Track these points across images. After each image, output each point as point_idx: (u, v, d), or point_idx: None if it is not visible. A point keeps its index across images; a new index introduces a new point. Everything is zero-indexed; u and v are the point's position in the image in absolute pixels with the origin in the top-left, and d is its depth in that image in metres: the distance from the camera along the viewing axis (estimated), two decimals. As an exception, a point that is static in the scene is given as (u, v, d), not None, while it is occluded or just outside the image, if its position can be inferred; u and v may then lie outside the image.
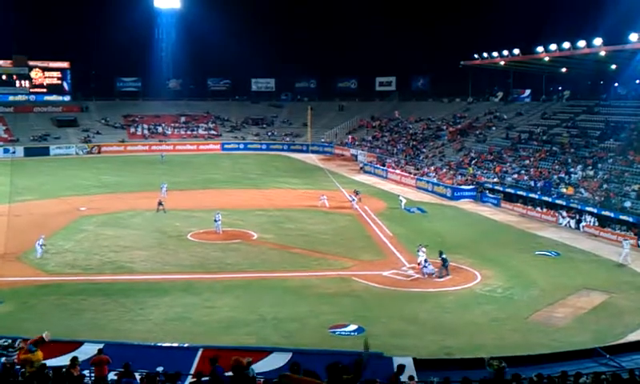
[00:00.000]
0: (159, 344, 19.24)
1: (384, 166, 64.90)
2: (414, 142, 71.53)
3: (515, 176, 50.18)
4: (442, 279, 28.63)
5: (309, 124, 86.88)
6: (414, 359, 14.79)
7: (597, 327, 23.05)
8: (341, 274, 29.96)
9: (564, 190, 44.13)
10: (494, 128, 66.87)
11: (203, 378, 11.42)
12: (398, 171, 61.74)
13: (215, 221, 37.29)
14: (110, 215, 42.35)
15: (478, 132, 67.29)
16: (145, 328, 22.69)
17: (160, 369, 13.02)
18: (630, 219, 37.61)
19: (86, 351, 14.73)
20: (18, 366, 12.57)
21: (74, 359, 12.79)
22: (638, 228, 36.78)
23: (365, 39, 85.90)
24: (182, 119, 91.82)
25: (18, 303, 25.07)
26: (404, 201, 46.38)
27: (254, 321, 23.56)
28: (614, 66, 56.25)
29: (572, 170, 47.19)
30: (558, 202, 43.17)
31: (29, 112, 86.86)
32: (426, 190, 54.20)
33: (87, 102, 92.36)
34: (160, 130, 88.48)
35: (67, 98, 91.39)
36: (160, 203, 43.06)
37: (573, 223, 40.52)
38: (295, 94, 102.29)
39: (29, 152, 76.24)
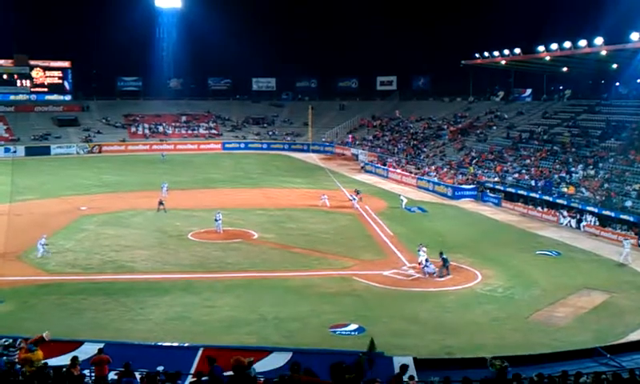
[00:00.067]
0: (159, 343, 19.23)
1: (385, 165, 64.89)
2: (415, 142, 71.50)
3: (516, 175, 50.15)
4: (442, 279, 28.62)
5: (310, 123, 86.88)
6: (415, 359, 14.77)
7: (597, 327, 23.04)
8: (342, 273, 29.96)
9: (565, 190, 44.10)
10: (494, 127, 66.84)
11: (203, 378, 11.42)
12: (398, 171, 61.73)
13: (216, 220, 37.30)
14: (111, 215, 42.37)
15: (478, 131, 67.25)
16: (145, 327, 22.69)
17: (160, 368, 13.02)
18: (631, 219, 37.57)
19: (87, 351, 14.73)
20: (19, 366, 12.58)
21: (75, 359, 12.79)
22: (639, 227, 36.74)
23: (365, 39, 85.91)
24: (183, 119, 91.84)
25: (19, 303, 25.09)
26: (405, 200, 46.35)
27: (254, 320, 23.56)
28: (615, 66, 56.19)
29: (573, 169, 47.16)
30: (559, 201, 43.13)
31: (30, 111, 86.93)
32: (427, 189, 54.19)
33: (88, 102, 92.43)
34: (161, 129, 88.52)
35: (68, 98, 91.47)
36: (161, 203, 43.06)
37: (573, 223, 40.49)
38: (296, 93, 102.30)
39: (30, 151, 76.33)
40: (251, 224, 39.83)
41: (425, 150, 67.63)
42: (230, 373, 9.47)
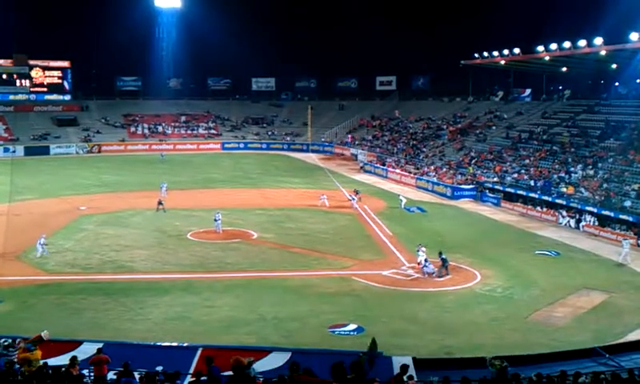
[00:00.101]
0: (159, 343, 19.23)
1: (384, 165, 64.91)
2: (414, 142, 71.52)
3: (515, 175, 50.17)
4: (441, 279, 28.63)
5: (309, 123, 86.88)
6: (414, 358, 14.77)
7: (596, 327, 23.05)
8: (341, 273, 29.97)
9: (564, 190, 44.12)
10: (494, 127, 66.86)
11: (202, 378, 11.43)
12: (398, 171, 61.74)
13: (215, 220, 37.30)
14: (110, 214, 42.37)
15: (478, 131, 67.27)
16: (144, 327, 22.69)
17: (159, 368, 13.03)
18: (630, 219, 37.60)
19: (86, 350, 14.74)
20: (18, 365, 12.57)
21: (74, 358, 12.80)
22: (638, 227, 36.76)
23: (365, 39, 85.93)
24: (183, 118, 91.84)
25: (18, 302, 25.08)
26: (404, 200, 46.37)
27: (254, 320, 23.56)
28: (614, 66, 56.23)
29: (572, 169, 47.18)
30: (558, 201, 43.16)
31: (29, 111, 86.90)
32: (426, 189, 54.20)
33: (87, 101, 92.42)
34: (160, 129, 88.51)
35: (67, 98, 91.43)
36: (160, 203, 43.06)
37: (573, 223, 40.50)
38: (295, 93, 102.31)
39: (29, 151, 76.31)
40: (250, 224, 39.84)
41: (424, 150, 67.65)
42: (230, 373, 9.48)
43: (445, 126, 73.12)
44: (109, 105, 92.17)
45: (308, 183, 57.58)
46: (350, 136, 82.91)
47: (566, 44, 50.42)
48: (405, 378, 12.23)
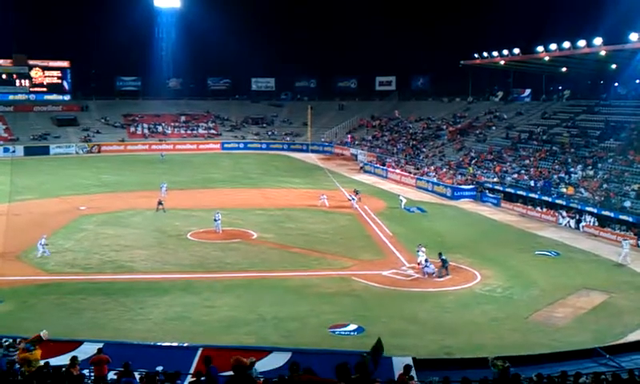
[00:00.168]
0: (159, 343, 19.23)
1: (384, 165, 64.92)
2: (414, 142, 71.53)
3: (515, 176, 50.18)
4: (441, 279, 28.63)
5: (309, 123, 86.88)
6: (414, 359, 14.77)
7: (596, 327, 23.05)
8: (341, 273, 29.96)
9: (564, 190, 44.13)
10: (494, 128, 66.87)
11: (202, 378, 11.43)
12: (397, 171, 61.75)
13: (215, 220, 37.29)
14: (110, 214, 42.36)
15: (478, 132, 67.28)
16: (144, 327, 22.68)
17: (160, 368, 13.03)
18: (630, 219, 37.61)
19: (86, 350, 14.74)
20: (18, 365, 12.58)
21: (74, 358, 12.80)
22: (638, 228, 36.78)
23: (365, 39, 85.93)
24: (182, 118, 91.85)
25: (18, 302, 25.07)
26: (404, 200, 46.37)
27: (253, 320, 23.56)
28: (614, 66, 56.22)
29: (572, 169, 47.19)
30: (558, 201, 43.16)
31: (29, 111, 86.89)
32: (426, 189, 54.20)
33: (87, 101, 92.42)
34: (160, 129, 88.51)
35: (67, 97, 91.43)
36: (160, 203, 43.05)
37: (573, 223, 40.51)
38: (295, 93, 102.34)
39: (29, 151, 76.30)
40: (250, 224, 39.83)
41: (424, 150, 67.66)
42: (230, 373, 9.47)
43: (444, 126, 73.13)
44: (108, 105, 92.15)
45: (308, 183, 57.58)
46: (349, 136, 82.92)
47: (566, 44, 50.44)
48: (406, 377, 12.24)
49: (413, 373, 13.35)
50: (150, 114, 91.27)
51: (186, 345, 18.07)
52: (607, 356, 15.76)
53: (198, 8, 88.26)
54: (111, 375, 13.37)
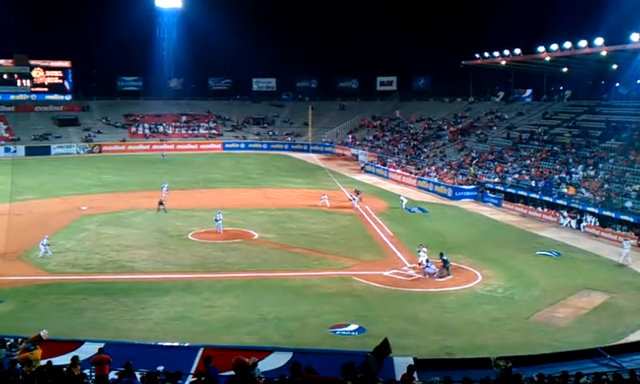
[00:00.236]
0: (160, 343, 19.24)
1: (385, 165, 64.90)
2: (415, 142, 71.51)
3: (516, 176, 50.15)
4: (442, 279, 28.63)
5: (310, 123, 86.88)
6: (415, 359, 14.77)
7: (597, 327, 23.04)
8: (342, 273, 29.96)
9: (565, 190, 44.10)
10: (495, 128, 66.83)
11: (203, 378, 11.43)
12: (398, 171, 61.74)
13: (216, 220, 37.30)
14: (111, 214, 42.38)
15: (479, 132, 67.26)
16: (145, 327, 22.70)
17: (161, 368, 13.02)
18: (631, 219, 37.58)
19: (87, 350, 14.74)
20: (19, 365, 12.59)
21: (75, 358, 12.79)
22: (639, 228, 36.74)
23: (365, 39, 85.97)
24: (183, 118, 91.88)
25: (19, 302, 25.09)
26: (405, 200, 46.35)
27: (254, 320, 23.56)
28: (615, 66, 56.18)
29: (573, 170, 47.16)
30: (559, 202, 43.14)
31: (30, 111, 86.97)
32: (427, 189, 54.19)
33: (88, 102, 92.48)
34: (161, 129, 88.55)
35: (68, 98, 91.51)
36: (161, 203, 43.06)
37: (574, 223, 40.49)
38: (296, 93, 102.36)
39: (30, 151, 76.35)
40: (251, 224, 39.84)
41: (425, 150, 67.64)
42: (230, 373, 9.48)
43: (446, 127, 73.10)
44: (110, 105, 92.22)
45: (309, 183, 57.58)
46: (350, 136, 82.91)
47: (567, 44, 50.41)
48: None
49: (413, 373, 13.36)
50: (151, 114, 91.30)
51: (186, 345, 18.07)
52: (608, 356, 15.73)
53: (199, 8, 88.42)
54: (112, 375, 13.37)
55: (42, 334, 13.37)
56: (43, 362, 12.64)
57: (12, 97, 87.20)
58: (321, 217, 42.70)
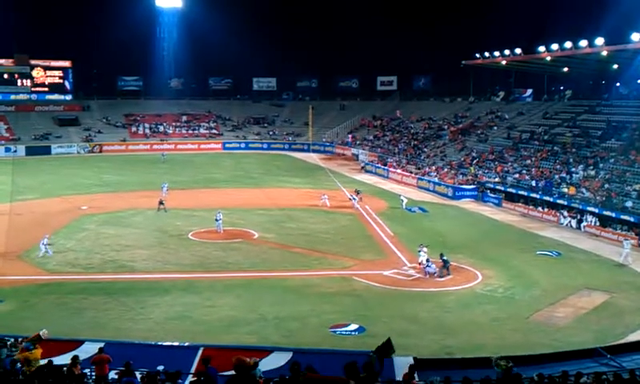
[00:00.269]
0: (160, 343, 19.23)
1: (385, 165, 64.89)
2: (416, 142, 71.50)
3: (516, 176, 50.14)
4: (443, 279, 28.64)
5: (310, 123, 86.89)
6: (415, 358, 14.77)
7: (598, 327, 23.04)
8: (342, 273, 29.97)
9: (565, 190, 44.10)
10: (495, 128, 66.82)
11: (203, 378, 11.43)
12: (399, 171, 61.73)
13: (216, 220, 37.31)
14: (111, 214, 42.39)
15: (479, 132, 67.24)
16: (145, 327, 22.71)
17: (161, 368, 13.03)
18: (631, 219, 37.57)
19: (87, 350, 14.74)
20: (19, 365, 12.59)
21: (75, 358, 12.80)
22: (639, 228, 36.73)
23: (366, 39, 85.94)
24: (184, 118, 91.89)
25: (19, 302, 25.11)
26: (405, 200, 46.34)
27: (254, 320, 23.57)
28: (615, 66, 56.19)
29: (573, 169, 47.15)
30: (560, 201, 43.13)
31: (30, 111, 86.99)
32: (428, 189, 54.19)
33: (89, 101, 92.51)
34: (161, 129, 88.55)
35: (69, 97, 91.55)
36: (161, 202, 43.08)
37: (574, 223, 40.49)
38: (296, 93, 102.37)
39: (30, 151, 76.37)
40: (251, 224, 39.84)
41: (425, 150, 67.63)
42: (231, 372, 9.47)
43: (446, 126, 73.08)
44: (110, 104, 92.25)
45: (309, 183, 57.58)
46: (351, 136, 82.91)
47: (568, 44, 50.40)
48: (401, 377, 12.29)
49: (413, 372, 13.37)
50: (152, 113, 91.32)
51: (186, 344, 18.08)
52: (608, 356, 15.72)
53: (199, 8, 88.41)
54: (112, 375, 13.38)
55: (41, 333, 13.38)
56: (44, 362, 12.65)
57: (12, 97, 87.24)
58: (321, 216, 42.70)
